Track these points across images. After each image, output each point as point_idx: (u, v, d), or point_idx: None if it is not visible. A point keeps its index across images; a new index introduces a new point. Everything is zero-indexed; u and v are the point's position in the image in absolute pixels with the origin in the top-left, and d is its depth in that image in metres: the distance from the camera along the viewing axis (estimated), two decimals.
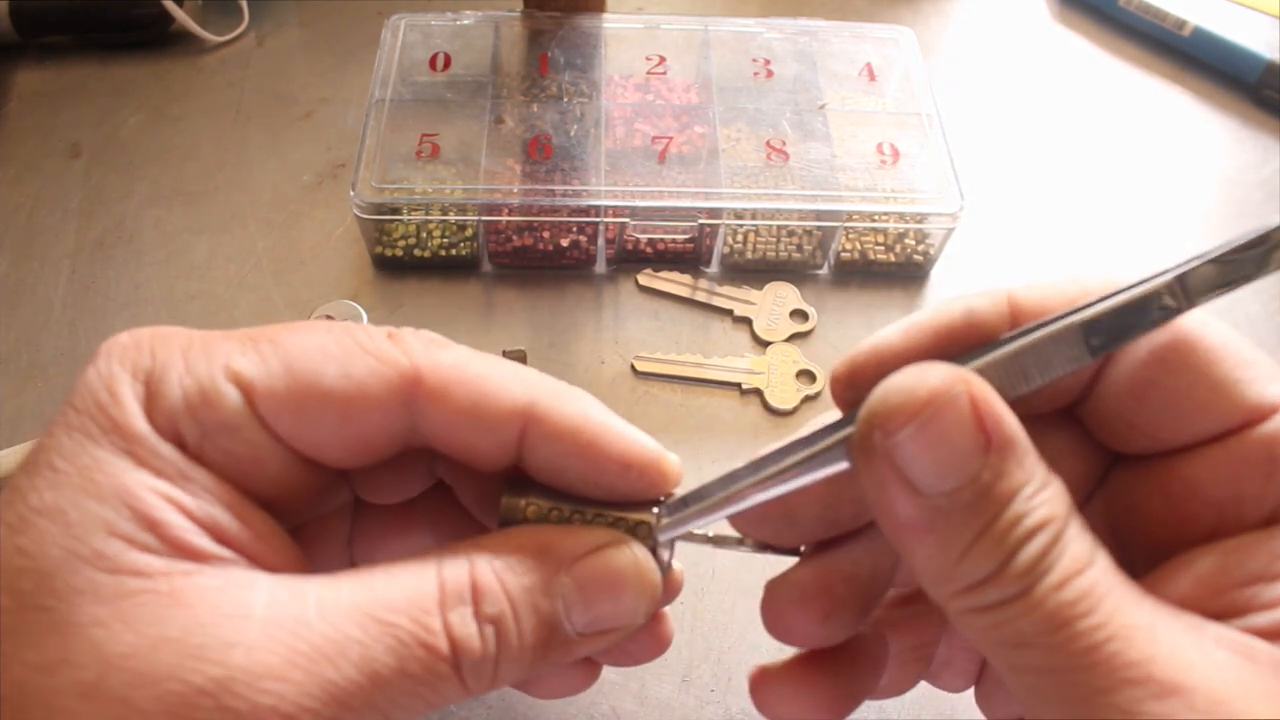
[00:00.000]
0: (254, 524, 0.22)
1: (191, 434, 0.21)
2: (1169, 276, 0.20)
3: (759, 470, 0.23)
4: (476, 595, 0.21)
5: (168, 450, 0.21)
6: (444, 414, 0.23)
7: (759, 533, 0.25)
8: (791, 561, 0.26)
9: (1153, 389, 0.22)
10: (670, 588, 0.26)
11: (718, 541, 0.26)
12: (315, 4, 0.64)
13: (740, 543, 0.26)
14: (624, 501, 0.24)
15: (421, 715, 0.21)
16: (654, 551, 0.24)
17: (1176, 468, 0.22)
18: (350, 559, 0.28)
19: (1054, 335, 0.21)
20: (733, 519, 0.25)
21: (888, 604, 0.27)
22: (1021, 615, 0.19)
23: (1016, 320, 0.22)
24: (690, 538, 0.25)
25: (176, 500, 0.20)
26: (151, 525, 0.20)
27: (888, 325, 0.23)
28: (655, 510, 0.24)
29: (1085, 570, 0.19)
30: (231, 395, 0.22)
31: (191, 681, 0.18)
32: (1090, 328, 0.20)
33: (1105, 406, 0.23)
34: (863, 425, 0.20)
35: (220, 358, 0.22)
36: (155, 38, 0.60)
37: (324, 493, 0.25)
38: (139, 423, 0.21)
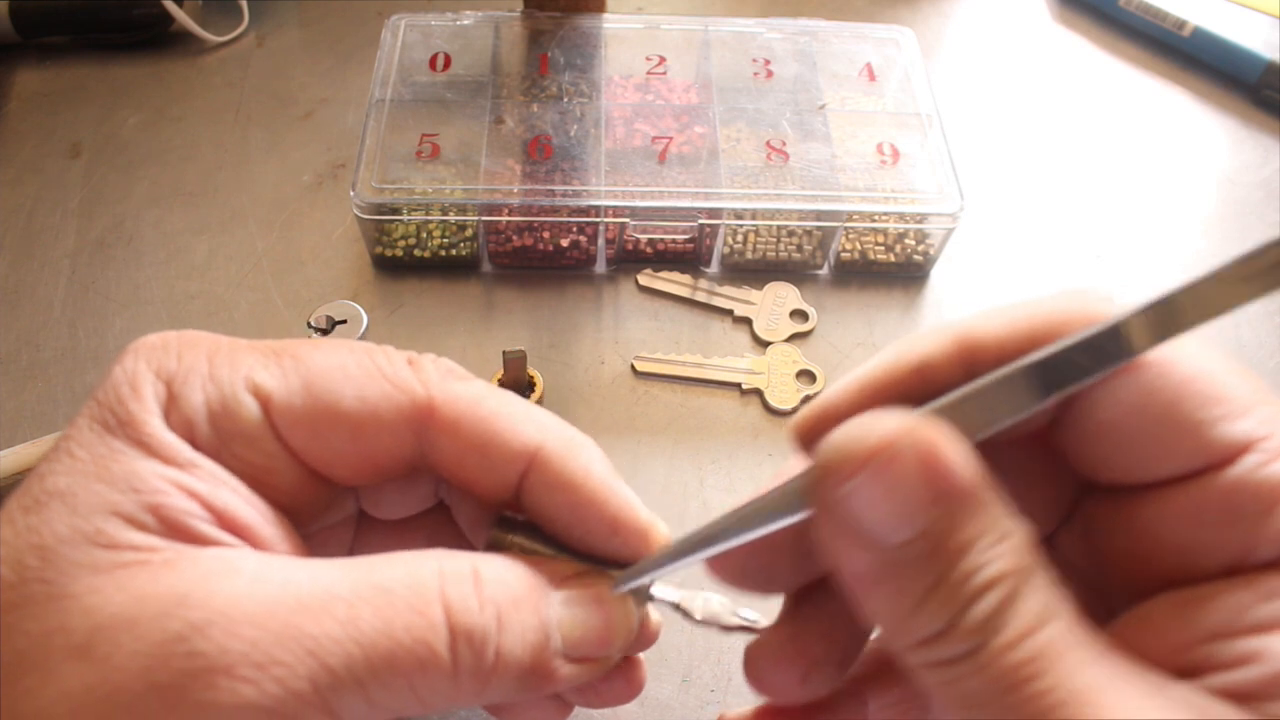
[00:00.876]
0: (262, 511, 0.22)
1: (208, 439, 0.22)
2: (1126, 314, 0.19)
3: (723, 521, 0.23)
4: (478, 579, 0.22)
5: (180, 443, 0.22)
6: (453, 446, 0.24)
7: (741, 584, 0.25)
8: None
9: (1115, 427, 0.21)
10: (645, 636, 0.26)
11: (684, 612, 0.26)
12: (315, 4, 0.64)
13: (706, 621, 0.26)
14: (604, 559, 0.25)
15: (406, 709, 0.20)
16: None
17: (1141, 505, 0.21)
18: None
19: (1003, 380, 0.20)
20: (714, 571, 0.25)
21: (868, 662, 0.26)
22: (973, 674, 0.18)
23: (969, 358, 0.21)
24: (661, 603, 0.26)
25: (185, 485, 0.21)
26: (153, 508, 0.20)
27: (862, 363, 0.22)
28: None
29: (1039, 629, 0.18)
30: (250, 406, 0.22)
31: (168, 628, 0.19)
32: (1040, 371, 0.20)
33: (1072, 437, 0.22)
34: (811, 476, 0.19)
35: (243, 368, 0.23)
36: (155, 38, 0.60)
37: (331, 505, 0.26)
38: (154, 420, 0.22)
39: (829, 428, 0.20)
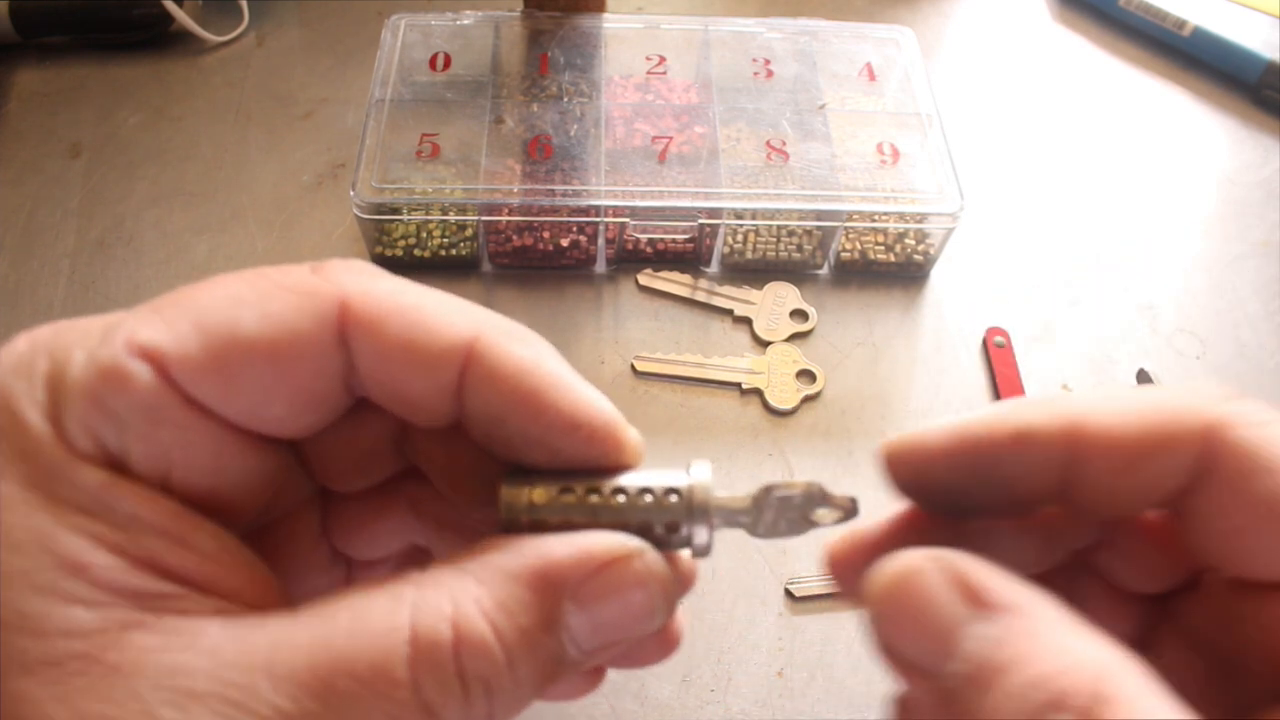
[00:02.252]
0: (198, 543, 0.19)
1: (108, 432, 0.19)
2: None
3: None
4: (461, 649, 0.18)
5: (86, 474, 0.18)
6: (376, 348, 0.20)
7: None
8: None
9: (1235, 524, 0.19)
10: (681, 583, 0.22)
11: (760, 498, 0.22)
12: (315, 4, 0.64)
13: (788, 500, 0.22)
14: (645, 474, 0.21)
15: None
16: (680, 531, 0.21)
17: (1259, 604, 0.19)
18: (330, 549, 0.26)
19: None
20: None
21: None
22: None
23: (1074, 442, 0.20)
24: (730, 508, 0.22)
25: (103, 537, 0.18)
26: (78, 570, 0.17)
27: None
28: (686, 479, 0.21)
29: None
30: (140, 371, 0.19)
31: None
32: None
33: (1199, 527, 0.20)
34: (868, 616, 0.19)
35: (121, 335, 0.19)
36: (155, 38, 0.60)
37: (274, 478, 0.22)
38: (47, 446, 0.18)
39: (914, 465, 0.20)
